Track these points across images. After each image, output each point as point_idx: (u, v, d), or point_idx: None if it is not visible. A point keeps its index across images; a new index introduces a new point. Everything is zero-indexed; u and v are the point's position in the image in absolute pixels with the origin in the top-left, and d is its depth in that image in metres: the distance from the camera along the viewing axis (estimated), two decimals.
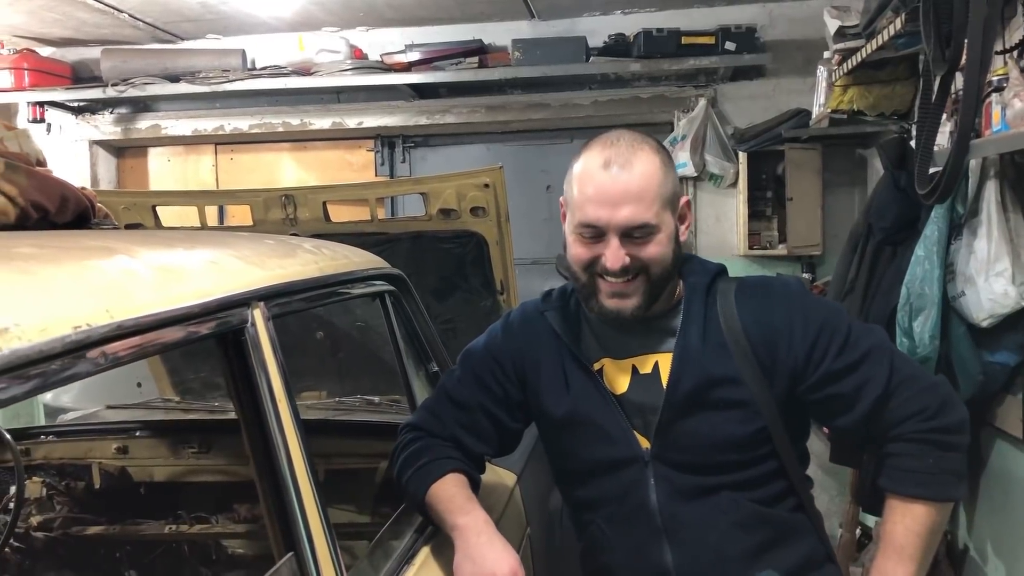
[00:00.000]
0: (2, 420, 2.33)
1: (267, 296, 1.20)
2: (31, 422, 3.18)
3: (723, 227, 4.16)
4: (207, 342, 1.10)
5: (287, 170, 4.75)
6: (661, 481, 1.42)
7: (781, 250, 3.95)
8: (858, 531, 3.20)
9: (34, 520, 2.27)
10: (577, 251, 1.42)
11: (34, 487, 2.32)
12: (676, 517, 1.41)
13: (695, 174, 4.05)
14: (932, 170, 2.17)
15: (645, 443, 1.44)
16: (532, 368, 1.54)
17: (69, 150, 4.61)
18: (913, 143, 2.41)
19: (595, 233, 1.38)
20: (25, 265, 0.89)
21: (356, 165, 4.67)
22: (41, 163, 1.54)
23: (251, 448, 1.16)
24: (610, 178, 1.35)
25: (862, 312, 2.80)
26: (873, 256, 2.83)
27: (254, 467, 1.15)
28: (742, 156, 3.96)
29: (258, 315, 1.16)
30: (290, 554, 1.13)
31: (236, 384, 1.14)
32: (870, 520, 3.03)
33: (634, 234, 1.37)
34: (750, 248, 4.00)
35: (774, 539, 1.42)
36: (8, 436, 2.09)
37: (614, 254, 1.37)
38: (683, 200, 1.46)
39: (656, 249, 1.39)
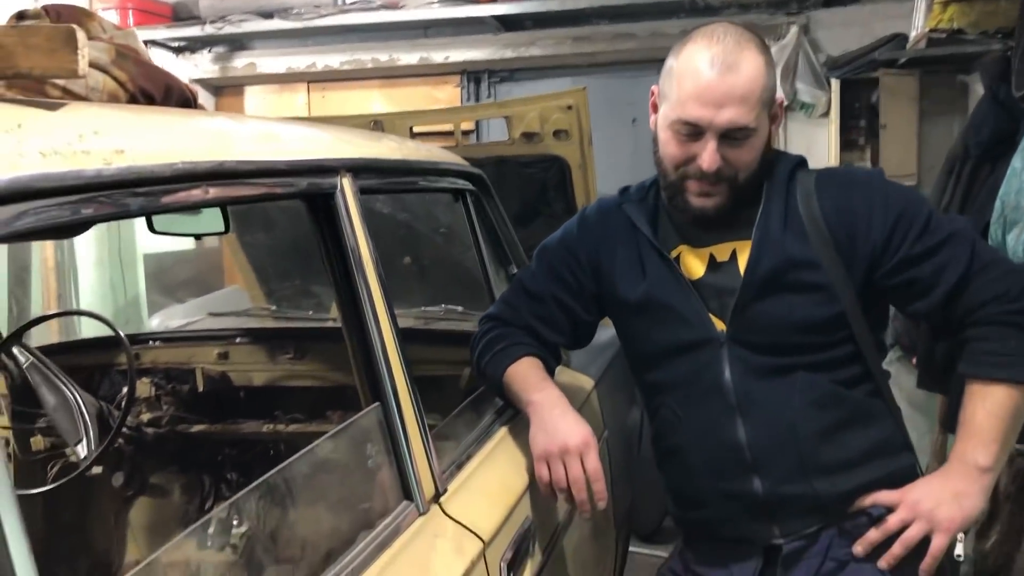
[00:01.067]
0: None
1: (354, 168, 1.27)
2: (138, 328, 3.40)
3: (813, 158, 4.01)
4: (297, 201, 1.18)
5: (376, 107, 4.86)
6: (736, 361, 1.44)
7: None
8: None
9: (144, 417, 2.43)
10: (671, 149, 1.41)
11: (144, 388, 2.48)
12: (750, 395, 1.43)
13: (785, 104, 3.97)
14: None
15: (720, 325, 1.45)
16: (607, 257, 1.57)
17: (146, 49, 4.81)
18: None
19: (693, 132, 1.37)
20: (136, 109, 0.98)
21: (443, 101, 4.74)
22: (143, 55, 1.64)
23: (340, 308, 1.24)
24: (716, 78, 1.33)
25: None
26: (969, 177, 2.75)
27: (342, 323, 1.22)
28: (834, 84, 3.87)
29: (347, 183, 1.23)
30: (376, 403, 1.21)
31: (326, 246, 1.21)
32: None
33: (732, 135, 1.36)
34: None
35: (849, 420, 1.43)
36: (125, 339, 2.25)
37: (711, 156, 1.36)
38: (778, 100, 1.45)
39: (749, 154, 1.39)
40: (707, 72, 1.33)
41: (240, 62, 4.77)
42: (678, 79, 1.37)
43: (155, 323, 4.03)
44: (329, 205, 1.19)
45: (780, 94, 1.44)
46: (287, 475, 1.08)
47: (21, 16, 1.57)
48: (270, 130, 1.18)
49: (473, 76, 4.68)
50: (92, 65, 1.39)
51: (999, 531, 2.30)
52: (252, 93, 5.02)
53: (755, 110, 1.35)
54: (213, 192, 0.94)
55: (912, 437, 4.04)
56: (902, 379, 3.93)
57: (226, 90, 5.04)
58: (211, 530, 1.00)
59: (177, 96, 1.55)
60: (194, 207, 0.93)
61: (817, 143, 4.06)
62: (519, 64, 4.59)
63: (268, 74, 4.77)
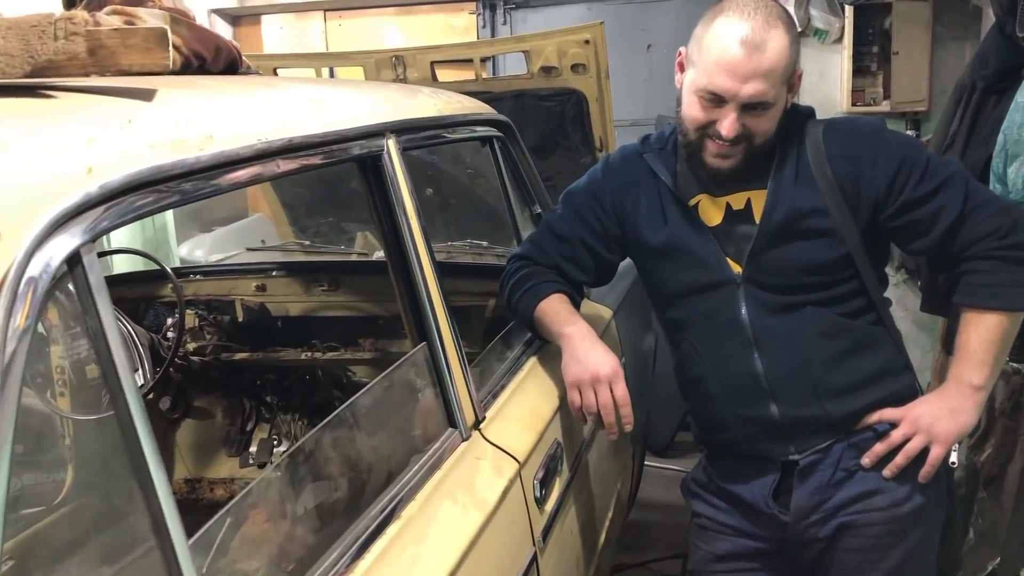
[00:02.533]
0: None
1: (398, 130, 1.39)
2: (168, 256, 3.53)
3: (826, 84, 4.12)
4: (349, 170, 1.31)
5: (392, 35, 4.88)
6: (751, 300, 1.57)
7: (885, 106, 3.91)
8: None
9: (190, 347, 2.59)
10: (694, 113, 1.51)
11: (189, 319, 2.62)
12: (766, 329, 1.56)
13: (799, 29, 3.99)
14: None
15: (736, 268, 1.58)
16: (630, 203, 1.68)
17: (190, 8, 4.85)
18: None
19: (716, 100, 1.47)
20: (212, 91, 1.09)
21: (458, 29, 4.76)
22: (191, 17, 1.74)
23: (389, 258, 1.37)
24: (744, 55, 1.42)
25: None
26: (976, 107, 2.80)
27: (392, 272, 1.36)
28: (848, 10, 3.87)
29: (392, 145, 1.35)
30: (423, 343, 1.36)
31: (376, 204, 1.34)
32: None
33: (753, 107, 1.46)
34: (853, 105, 3.97)
35: (855, 347, 1.57)
36: (170, 271, 2.40)
37: (731, 123, 1.46)
38: (797, 73, 1.54)
39: (767, 124, 1.50)
40: (735, 49, 1.42)
41: None
42: (707, 49, 1.46)
43: (184, 252, 4.18)
44: (377, 166, 1.32)
45: (799, 67, 1.53)
46: (352, 410, 1.23)
47: None
48: (323, 97, 1.29)
49: (488, 3, 4.69)
50: None
51: (993, 444, 2.46)
52: (269, 22, 5.04)
53: (777, 85, 1.45)
54: (284, 166, 1.07)
55: (916, 355, 4.21)
56: (908, 300, 4.07)
57: (243, 19, 5.07)
58: (297, 455, 1.15)
59: (225, 56, 1.66)
60: (270, 179, 1.06)
61: (830, 69, 4.09)
62: None
63: (284, 3, 4.79)
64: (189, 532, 0.84)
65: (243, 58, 1.75)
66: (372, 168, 1.32)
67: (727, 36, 1.43)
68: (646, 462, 3.23)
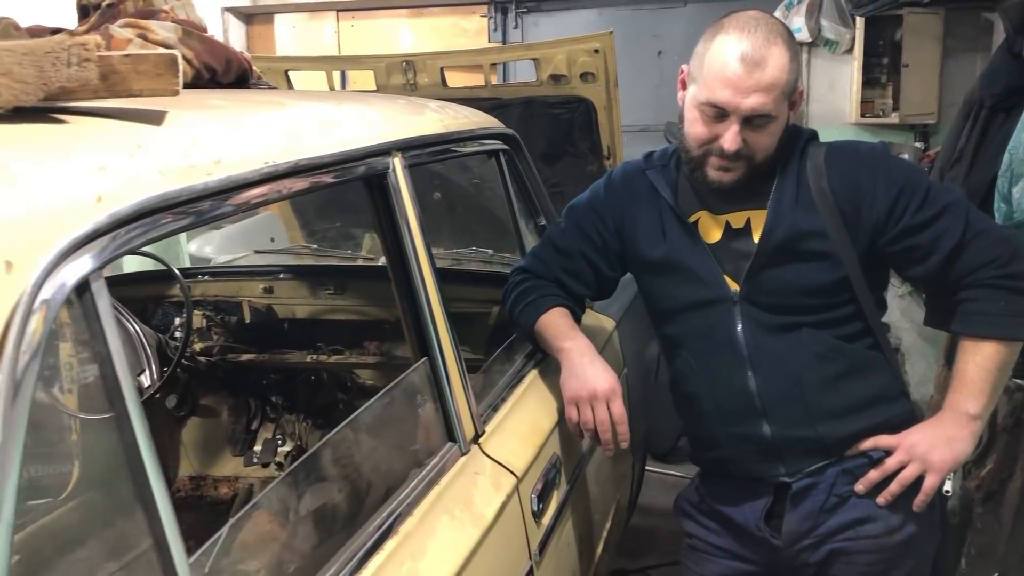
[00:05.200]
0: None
1: (404, 147, 1.41)
2: (177, 253, 3.57)
3: (836, 94, 4.13)
4: (355, 188, 1.33)
5: (404, 37, 4.91)
6: (747, 318, 1.58)
7: (894, 118, 3.91)
8: None
9: (197, 347, 2.62)
10: (697, 129, 1.52)
11: (196, 319, 2.65)
12: (761, 348, 1.57)
13: (809, 39, 4.00)
14: None
15: (734, 286, 1.59)
16: (630, 220, 1.70)
17: (202, 17, 4.88)
18: None
19: (718, 114, 1.48)
20: (220, 113, 1.11)
21: (470, 32, 4.78)
22: (204, 29, 1.76)
23: (393, 274, 1.39)
24: (744, 71, 1.43)
25: (966, 181, 2.81)
26: (984, 124, 2.81)
27: (395, 288, 1.38)
28: (859, 21, 3.88)
29: (397, 163, 1.37)
30: (424, 358, 1.38)
31: (381, 221, 1.36)
32: None
33: (754, 121, 1.47)
34: (862, 116, 3.98)
35: (850, 370, 1.57)
36: (179, 273, 2.42)
37: (733, 137, 1.48)
38: (799, 90, 1.56)
39: (767, 139, 1.51)
40: (736, 66, 1.44)
41: None
42: (709, 66, 1.48)
43: (193, 248, 4.21)
44: (383, 184, 1.34)
45: (800, 84, 1.54)
46: (354, 425, 1.25)
47: None
48: (330, 115, 1.31)
49: (500, 6, 4.71)
50: (161, 45, 1.53)
51: (995, 459, 2.47)
52: (282, 21, 5.07)
53: (777, 100, 1.46)
54: (291, 187, 1.09)
55: (920, 367, 4.20)
56: (913, 312, 4.08)
57: (256, 18, 5.10)
58: (299, 471, 1.17)
59: (236, 68, 1.69)
60: (277, 201, 1.08)
61: (840, 80, 4.10)
62: None
63: (298, 2, 4.82)
64: (192, 531, 0.86)
65: (253, 69, 1.77)
66: (378, 186, 1.34)
67: (728, 53, 1.45)
68: (648, 467, 3.26)
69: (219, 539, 0.96)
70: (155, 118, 0.98)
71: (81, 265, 0.77)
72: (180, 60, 0.99)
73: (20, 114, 0.87)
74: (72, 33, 1.64)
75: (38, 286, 0.73)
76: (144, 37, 1.51)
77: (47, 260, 0.74)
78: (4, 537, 0.67)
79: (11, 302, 0.71)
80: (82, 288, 0.78)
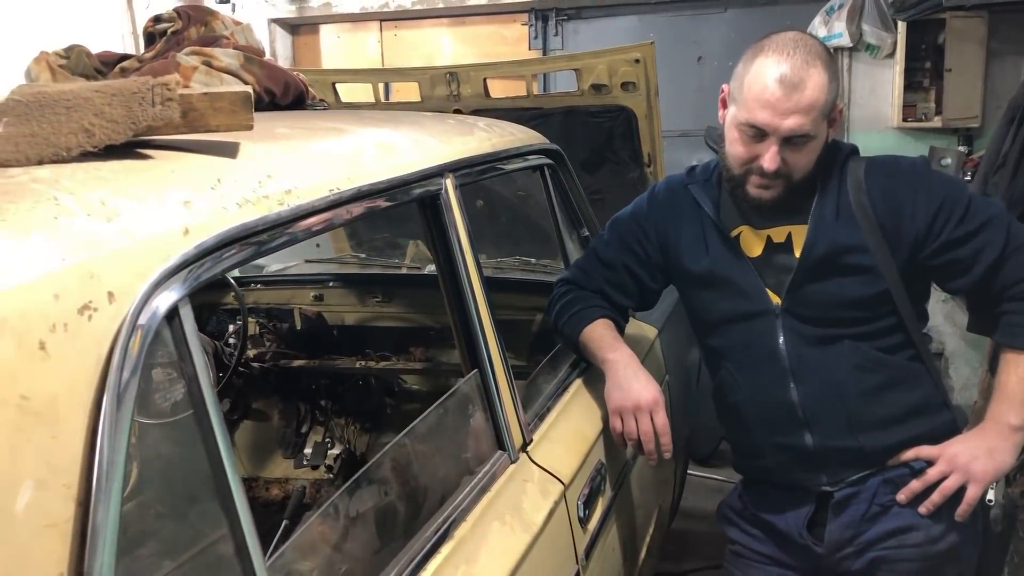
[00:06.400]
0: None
1: (455, 168, 1.47)
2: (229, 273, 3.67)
3: (878, 99, 4.11)
4: (409, 206, 1.39)
5: (446, 45, 4.99)
6: (789, 331, 1.61)
7: (936, 122, 3.89)
8: None
9: (250, 353, 2.72)
10: (737, 150, 1.56)
11: (250, 326, 2.74)
12: (803, 359, 1.60)
13: (851, 44, 3.99)
14: None
15: (776, 299, 1.63)
16: (673, 233, 1.74)
17: (260, 40, 5.02)
18: None
19: (758, 134, 1.51)
20: (288, 143, 1.19)
21: (510, 39, 4.84)
22: (262, 53, 1.84)
23: (445, 289, 1.46)
24: (783, 93, 1.47)
25: (1011, 186, 2.81)
26: None
27: (447, 303, 1.45)
28: (901, 26, 3.86)
29: (449, 184, 1.44)
30: (475, 371, 1.44)
31: (434, 239, 1.43)
32: None
33: (793, 140, 1.51)
34: (904, 120, 3.96)
35: (891, 381, 1.60)
36: (233, 282, 2.52)
37: (772, 157, 1.51)
38: (838, 108, 1.59)
39: (806, 158, 1.54)
40: (774, 88, 1.47)
41: (316, 1, 4.93)
42: (748, 87, 1.51)
43: None
44: (436, 204, 1.41)
45: (840, 102, 1.57)
46: (410, 435, 1.32)
47: (157, 19, 1.79)
48: (387, 139, 1.38)
49: (541, 14, 4.76)
50: (225, 71, 1.61)
51: None
52: (327, 32, 5.18)
53: (816, 120, 1.50)
54: (353, 212, 1.16)
55: (965, 372, 4.18)
56: (956, 317, 4.06)
57: (302, 28, 5.22)
58: (364, 478, 1.24)
59: (294, 91, 1.77)
60: (340, 225, 1.15)
61: (882, 85, 4.09)
62: (586, 2, 4.65)
63: (343, 13, 4.92)
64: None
65: (309, 90, 1.85)
66: (431, 206, 1.41)
67: (767, 75, 1.48)
68: (690, 471, 3.29)
69: (293, 541, 1.03)
70: (230, 151, 1.05)
71: (172, 294, 0.84)
72: (252, 96, 1.06)
73: (109, 152, 0.95)
74: (140, 60, 1.73)
75: (136, 314, 0.80)
76: (209, 64, 1.59)
77: (143, 290, 0.81)
78: (111, 534, 0.74)
79: (114, 328, 0.78)
80: (172, 314, 0.85)
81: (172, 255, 0.85)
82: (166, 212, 0.88)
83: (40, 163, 0.88)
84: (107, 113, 0.98)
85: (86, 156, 0.91)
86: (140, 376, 0.80)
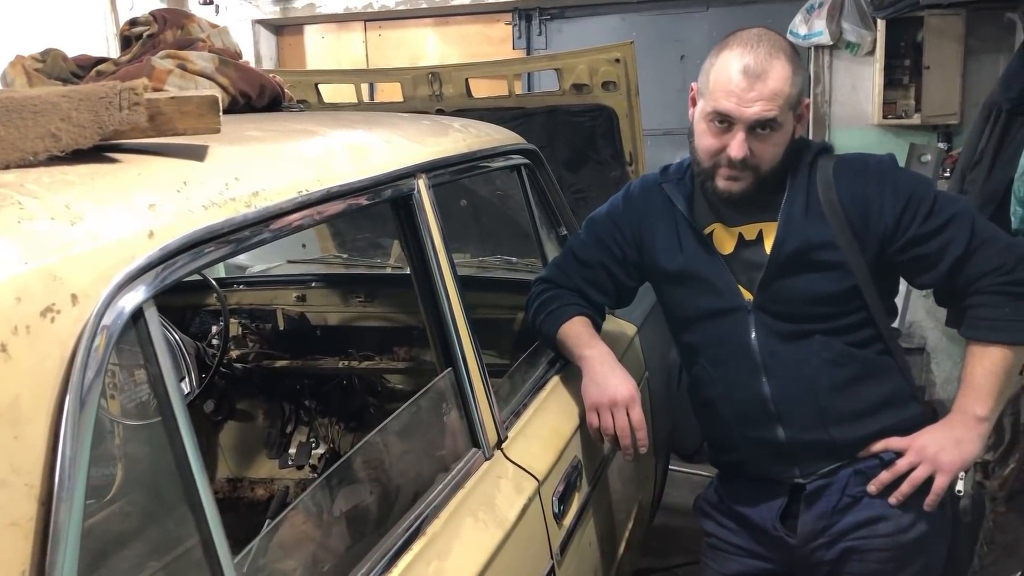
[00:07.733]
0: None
1: (428, 169, 1.49)
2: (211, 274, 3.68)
3: (858, 96, 4.14)
4: (383, 206, 1.40)
5: (430, 45, 5.00)
6: (761, 327, 1.64)
7: (916, 119, 3.92)
8: None
9: (233, 354, 2.72)
10: (706, 141, 1.59)
11: (232, 327, 2.74)
12: (774, 354, 1.63)
13: (831, 43, 4.02)
14: None
15: (748, 295, 1.65)
16: (648, 231, 1.76)
17: (233, 29, 5.01)
18: None
19: (724, 123, 1.54)
20: (257, 146, 1.20)
21: (494, 39, 4.86)
22: (239, 56, 1.85)
23: (419, 289, 1.47)
24: (747, 83, 1.50)
25: (986, 183, 2.84)
26: (1004, 127, 2.84)
27: (420, 302, 1.46)
28: (880, 23, 3.90)
29: (422, 184, 1.45)
30: (448, 369, 1.46)
31: (407, 240, 1.44)
32: None
33: (759, 129, 1.53)
34: (884, 117, 3.99)
35: (861, 375, 1.62)
36: (215, 283, 2.52)
37: (739, 145, 1.54)
38: (804, 103, 1.62)
39: (772, 149, 1.57)
40: (739, 79, 1.51)
41: (300, 2, 4.94)
42: (714, 80, 1.55)
43: None
44: (409, 205, 1.42)
45: (806, 98, 1.60)
46: (383, 433, 1.34)
47: (133, 23, 1.80)
48: (359, 141, 1.39)
49: (524, 14, 4.78)
50: (199, 74, 1.62)
51: (1018, 459, 2.51)
52: (311, 32, 5.19)
53: (781, 109, 1.52)
54: (323, 212, 1.17)
55: (946, 366, 4.21)
56: (938, 311, 4.07)
57: (286, 29, 5.22)
58: (335, 475, 1.25)
59: (269, 93, 1.78)
60: (310, 227, 1.16)
61: (862, 82, 4.12)
62: (570, 1, 4.67)
63: (327, 14, 4.92)
64: (230, 531, 0.94)
65: (285, 92, 1.86)
66: (403, 206, 1.42)
67: (731, 67, 1.52)
68: (674, 467, 3.31)
69: (261, 539, 1.04)
70: (198, 154, 1.06)
71: (136, 295, 0.86)
72: (220, 101, 1.08)
73: (77, 156, 0.96)
74: (116, 63, 1.74)
75: (99, 315, 0.81)
76: (183, 67, 1.60)
77: (107, 292, 0.83)
78: (74, 533, 0.75)
79: (77, 330, 0.79)
80: (137, 315, 0.86)
81: (136, 257, 0.87)
82: (131, 215, 0.89)
83: (7, 168, 0.89)
84: (74, 118, 0.99)
85: (53, 160, 0.92)
86: (104, 377, 0.81)
